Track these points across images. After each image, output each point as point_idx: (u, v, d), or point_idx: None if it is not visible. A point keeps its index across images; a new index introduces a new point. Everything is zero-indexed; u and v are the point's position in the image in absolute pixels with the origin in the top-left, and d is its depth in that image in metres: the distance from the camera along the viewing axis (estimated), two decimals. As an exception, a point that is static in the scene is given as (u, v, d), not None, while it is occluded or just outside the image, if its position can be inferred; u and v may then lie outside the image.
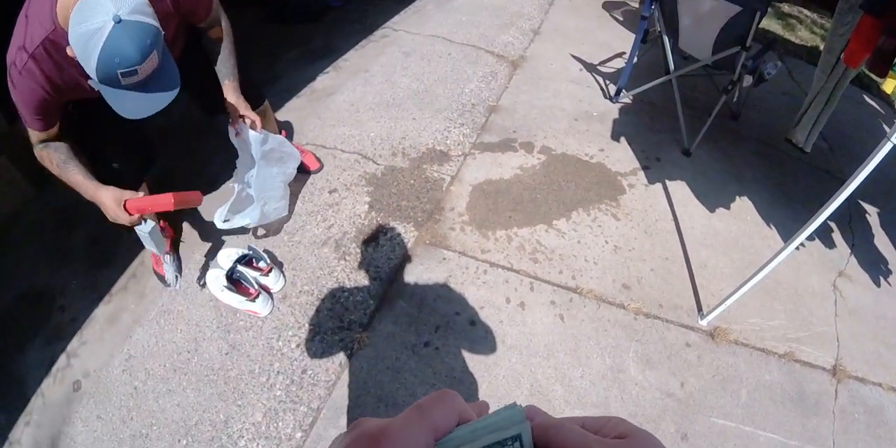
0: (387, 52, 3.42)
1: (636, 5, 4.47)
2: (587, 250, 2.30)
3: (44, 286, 2.16)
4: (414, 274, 2.10)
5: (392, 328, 1.93)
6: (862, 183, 1.58)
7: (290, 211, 2.33)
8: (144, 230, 1.69)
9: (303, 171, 2.47)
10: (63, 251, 2.28)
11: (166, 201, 1.59)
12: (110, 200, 1.56)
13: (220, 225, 1.94)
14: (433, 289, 2.05)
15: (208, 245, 2.21)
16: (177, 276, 2.07)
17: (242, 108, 1.84)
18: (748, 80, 2.97)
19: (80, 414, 1.75)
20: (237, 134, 1.88)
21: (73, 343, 1.96)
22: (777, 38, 4.78)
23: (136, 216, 1.61)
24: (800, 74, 4.12)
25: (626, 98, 3.24)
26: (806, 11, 5.68)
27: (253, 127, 1.86)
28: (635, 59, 3.08)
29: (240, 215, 1.98)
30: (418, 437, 0.29)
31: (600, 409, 1.82)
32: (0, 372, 1.91)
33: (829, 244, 2.71)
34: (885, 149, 1.46)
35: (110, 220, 1.62)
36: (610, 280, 2.20)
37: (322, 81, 3.15)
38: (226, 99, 1.81)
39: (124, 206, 1.57)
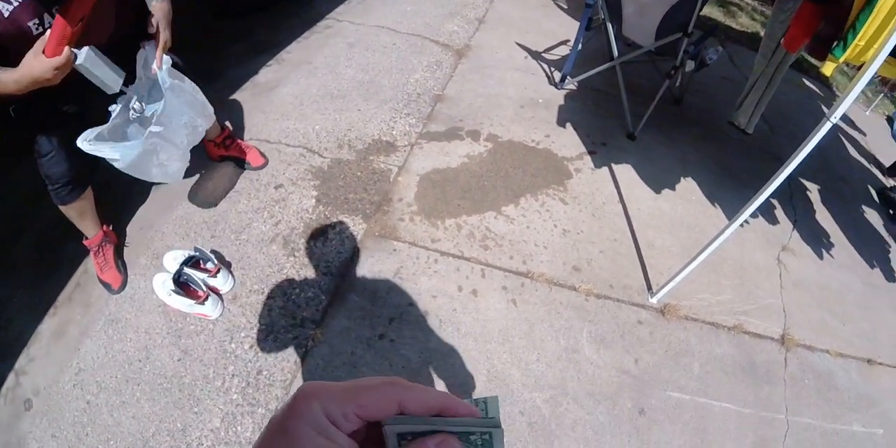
0: (331, 44, 3.36)
1: (580, -6, 4.52)
2: (536, 235, 2.30)
3: None
4: (365, 267, 2.06)
5: (346, 323, 1.89)
6: (802, 161, 1.62)
7: (230, 203, 2.26)
8: (84, 59, 1.40)
9: (247, 168, 2.41)
10: (5, 263, 2.16)
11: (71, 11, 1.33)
12: (32, 64, 1.34)
13: (79, 143, 1.56)
14: (385, 281, 2.03)
15: (153, 248, 2.13)
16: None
17: (163, 24, 1.64)
18: (690, 66, 3.03)
19: (33, 434, 1.67)
20: (146, 60, 1.66)
21: (21, 360, 1.86)
22: (718, 24, 4.91)
23: (65, 50, 1.35)
24: (740, 60, 4.24)
25: (571, 84, 3.26)
26: (746, -1, 5.85)
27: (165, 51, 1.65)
28: (580, 47, 3.10)
29: (111, 146, 1.58)
30: (335, 408, 0.31)
31: (557, 390, 1.83)
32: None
33: (773, 220, 2.79)
34: (825, 128, 1.51)
35: (52, 78, 1.37)
36: (560, 263, 2.21)
37: (265, 75, 3.07)
38: (150, 12, 1.63)
39: (45, 54, 1.35)
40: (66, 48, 1.34)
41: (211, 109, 1.98)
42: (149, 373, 1.76)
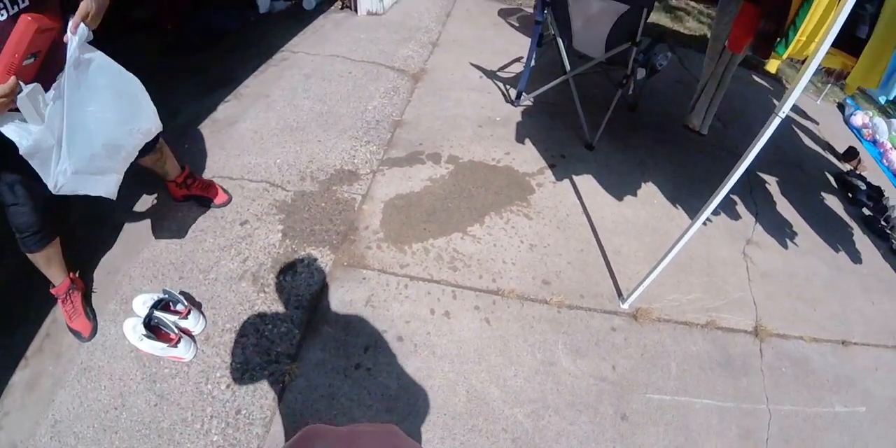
0: (286, 76, 3.39)
1: (530, 10, 4.63)
2: (504, 252, 2.34)
3: None
4: (336, 297, 2.07)
5: (321, 355, 1.89)
6: (757, 155, 1.67)
7: (178, 233, 2.24)
8: (27, 93, 1.30)
9: (211, 205, 2.41)
10: None
11: (22, 30, 1.24)
12: None
13: None
14: (357, 310, 2.03)
15: (121, 293, 2.12)
16: None
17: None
18: (641, 73, 3.12)
19: None
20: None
21: None
22: (666, 30, 5.06)
23: (10, 80, 1.26)
24: (690, 62, 4.36)
25: (527, 101, 3.33)
26: (693, 3, 6.04)
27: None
28: (532, 63, 3.18)
29: (16, 125, 1.35)
30: None
31: (538, 403, 1.84)
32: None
33: (734, 216, 2.86)
34: (775, 123, 1.55)
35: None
36: (529, 278, 2.24)
37: (223, 111, 3.09)
38: None
39: None
40: (13, 78, 1.26)
41: (153, 110, 1.70)
42: (126, 420, 1.74)
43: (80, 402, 1.79)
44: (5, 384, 1.90)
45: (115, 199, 1.63)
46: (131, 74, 1.58)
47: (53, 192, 1.47)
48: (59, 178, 1.46)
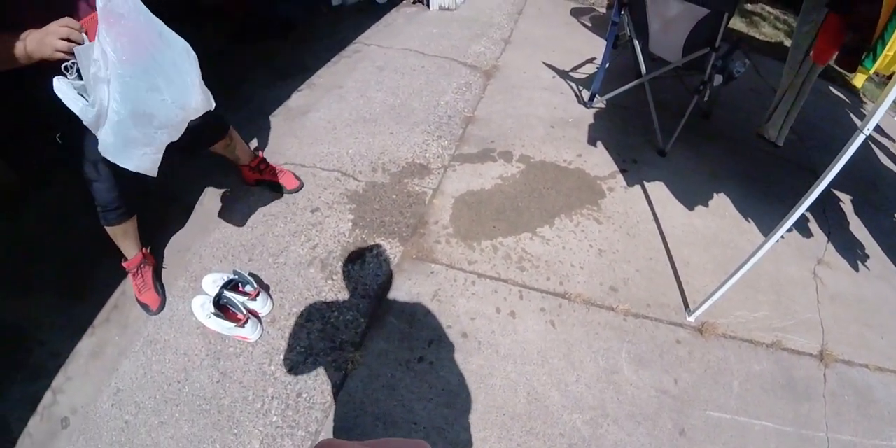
0: (359, 68, 3.44)
1: (603, 11, 4.56)
2: (572, 255, 2.33)
3: (16, 321, 2.09)
4: (402, 289, 2.11)
5: (384, 345, 1.93)
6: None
7: (240, 219, 2.30)
8: (84, 47, 1.24)
9: (283, 191, 2.48)
10: (35, 284, 2.21)
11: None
12: (45, 30, 1.28)
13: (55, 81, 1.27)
14: (423, 303, 2.06)
15: (191, 271, 2.20)
16: None
17: None
18: (718, 80, 3.04)
19: None
20: None
21: (58, 379, 1.91)
22: (742, 36, 4.90)
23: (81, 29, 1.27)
24: (766, 70, 4.22)
25: (599, 103, 3.29)
26: (768, 8, 5.83)
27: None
28: (607, 64, 3.14)
29: (75, 95, 1.29)
30: None
31: (598, 411, 1.84)
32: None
33: (806, 234, 2.77)
34: (858, 141, 1.50)
35: (54, 42, 1.27)
36: (597, 283, 2.23)
37: (296, 100, 3.16)
38: None
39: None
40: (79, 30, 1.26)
41: (201, 85, 1.50)
42: (188, 394, 1.80)
43: (143, 373, 1.87)
44: (71, 350, 1.98)
45: (153, 175, 1.49)
46: (179, 40, 1.39)
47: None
48: (102, 146, 1.36)
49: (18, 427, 1.81)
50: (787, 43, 4.77)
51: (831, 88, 4.41)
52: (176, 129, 1.47)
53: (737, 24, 5.16)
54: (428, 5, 4.32)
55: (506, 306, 2.09)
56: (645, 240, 2.46)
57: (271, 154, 2.66)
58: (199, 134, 2.04)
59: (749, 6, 5.80)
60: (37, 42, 1.29)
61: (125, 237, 1.99)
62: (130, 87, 1.28)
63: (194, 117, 1.51)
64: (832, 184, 1.67)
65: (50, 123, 1.66)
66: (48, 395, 1.87)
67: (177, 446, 1.68)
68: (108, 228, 1.93)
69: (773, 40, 5.06)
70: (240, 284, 2.01)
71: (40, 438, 1.77)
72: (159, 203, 2.42)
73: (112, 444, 1.71)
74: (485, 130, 2.95)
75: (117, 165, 1.52)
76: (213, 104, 1.56)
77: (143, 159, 1.43)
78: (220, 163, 2.39)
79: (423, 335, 1.97)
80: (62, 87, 1.28)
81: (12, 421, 1.83)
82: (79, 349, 1.99)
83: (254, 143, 2.77)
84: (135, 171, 1.43)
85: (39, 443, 1.76)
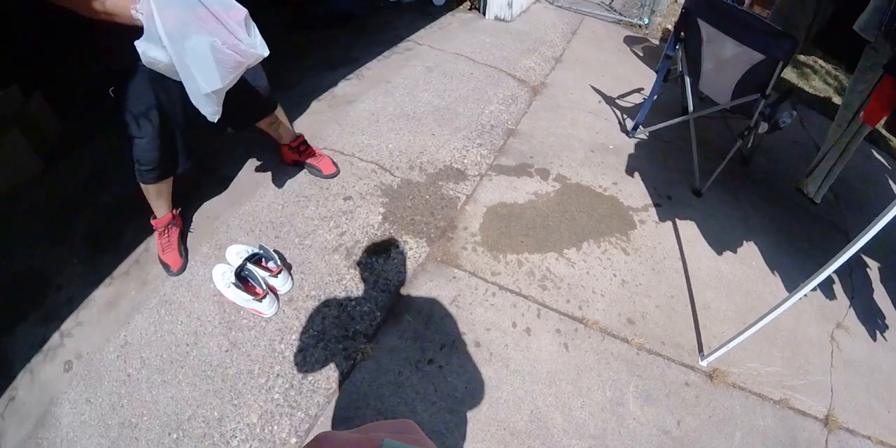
0: (409, 66, 3.45)
1: (656, 42, 4.56)
2: (595, 282, 2.31)
3: (41, 264, 2.14)
4: (423, 289, 2.10)
5: (397, 342, 1.92)
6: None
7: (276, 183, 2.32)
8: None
9: (318, 175, 2.48)
10: (65, 232, 2.27)
11: None
12: None
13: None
14: (441, 306, 2.05)
15: (216, 239, 2.20)
16: None
17: None
18: (764, 127, 3.01)
19: (68, 395, 1.73)
20: None
21: (68, 323, 1.94)
22: (792, 86, 4.88)
23: None
24: (811, 124, 4.19)
25: (642, 133, 3.28)
26: (821, 62, 5.79)
27: None
28: (655, 96, 3.13)
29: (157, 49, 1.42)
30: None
31: (597, 441, 1.81)
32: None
33: (830, 295, 2.74)
34: (895, 210, 1.49)
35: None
36: (615, 313, 2.21)
37: (343, 88, 3.18)
38: None
39: None
40: None
41: (257, 35, 1.55)
42: (194, 358, 1.81)
43: (153, 330, 1.88)
44: (86, 298, 2.01)
45: (213, 120, 1.58)
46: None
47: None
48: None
49: (20, 363, 1.83)
50: (836, 99, 4.74)
51: (873, 151, 4.37)
52: (230, 75, 1.53)
53: (788, 73, 5.14)
54: (484, 14, 4.34)
55: (522, 322, 2.07)
56: (669, 277, 2.43)
57: (312, 138, 2.67)
58: (249, 108, 2.07)
59: (802, 57, 5.76)
60: (121, 7, 1.37)
61: (158, 196, 2.02)
62: (181, 23, 1.38)
63: (249, 62, 1.55)
64: (862, 249, 1.66)
65: (105, 77, 1.70)
66: (55, 337, 1.90)
67: (175, 407, 1.69)
68: (143, 186, 1.96)
69: (822, 95, 5.03)
70: (263, 259, 2.01)
71: (41, 377, 1.79)
72: (197, 170, 2.44)
73: (111, 395, 1.72)
74: (525, 145, 2.94)
75: (159, 125, 1.73)
76: (266, 51, 1.58)
77: (209, 104, 1.54)
78: (262, 140, 2.41)
79: (436, 338, 1.96)
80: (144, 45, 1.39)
81: (15, 357, 1.86)
82: (94, 297, 2.02)
83: (297, 125, 2.78)
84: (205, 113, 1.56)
85: (39, 381, 1.78)
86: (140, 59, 1.43)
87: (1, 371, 1.82)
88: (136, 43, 1.39)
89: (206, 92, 1.48)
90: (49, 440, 1.65)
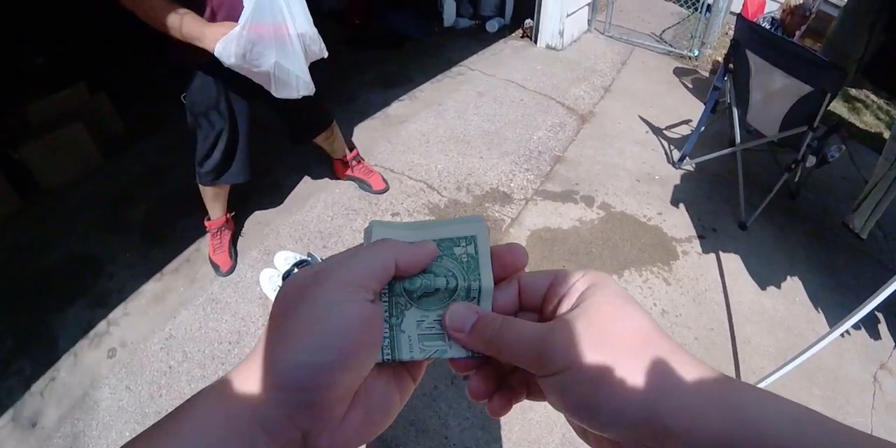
0: (461, 90, 3.57)
1: (706, 74, 4.57)
2: (635, 310, 2.33)
3: (94, 253, 2.27)
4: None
5: (435, 357, 1.98)
6: None
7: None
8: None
9: (368, 190, 2.59)
10: (120, 223, 2.40)
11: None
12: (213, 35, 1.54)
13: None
14: (481, 324, 2.11)
15: (265, 244, 2.31)
16: None
17: None
18: (811, 161, 3.00)
19: (109, 381, 1.81)
20: None
21: (117, 312, 2.04)
22: (842, 120, 4.81)
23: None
24: (861, 159, 4.12)
25: (688, 165, 3.30)
26: (872, 96, 5.69)
27: None
28: (703, 128, 3.15)
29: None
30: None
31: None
32: (37, 327, 1.99)
33: (875, 335, 2.69)
34: None
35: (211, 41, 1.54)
36: (655, 342, 2.23)
37: (396, 108, 3.31)
38: None
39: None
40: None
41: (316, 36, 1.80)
42: (235, 356, 1.88)
43: (198, 327, 1.97)
44: (136, 289, 2.12)
45: (309, 93, 1.79)
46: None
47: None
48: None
49: (66, 345, 1.93)
50: (887, 134, 4.65)
51: (925, 190, 4.27)
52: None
53: (838, 108, 5.07)
54: (536, 42, 4.44)
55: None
56: (709, 309, 2.44)
57: (364, 154, 2.79)
58: (308, 123, 2.19)
59: (853, 92, 5.68)
60: (199, 32, 1.52)
61: (215, 199, 2.12)
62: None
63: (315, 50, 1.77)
64: None
65: (173, 80, 1.84)
66: (102, 325, 2.00)
67: (211, 403, 1.77)
68: (201, 187, 2.06)
69: (872, 130, 4.94)
70: (310, 267, 2.10)
71: (84, 361, 1.88)
72: (255, 178, 2.59)
73: (151, 384, 1.80)
74: (571, 172, 3.00)
75: (225, 132, 1.87)
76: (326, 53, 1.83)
77: (299, 85, 1.75)
78: (317, 154, 2.54)
79: (475, 355, 2.01)
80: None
81: (61, 339, 1.95)
82: (143, 290, 2.12)
83: (350, 142, 2.91)
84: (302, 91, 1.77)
85: (83, 365, 1.87)
86: (215, 64, 1.57)
87: (46, 351, 1.92)
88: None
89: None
90: (85, 421, 1.73)
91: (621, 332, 0.31)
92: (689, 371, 0.30)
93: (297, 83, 1.73)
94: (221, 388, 0.30)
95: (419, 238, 0.35)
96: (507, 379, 0.37)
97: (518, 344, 0.32)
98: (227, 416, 0.29)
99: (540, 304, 0.36)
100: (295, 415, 0.29)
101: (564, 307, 0.34)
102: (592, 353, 0.30)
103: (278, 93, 1.71)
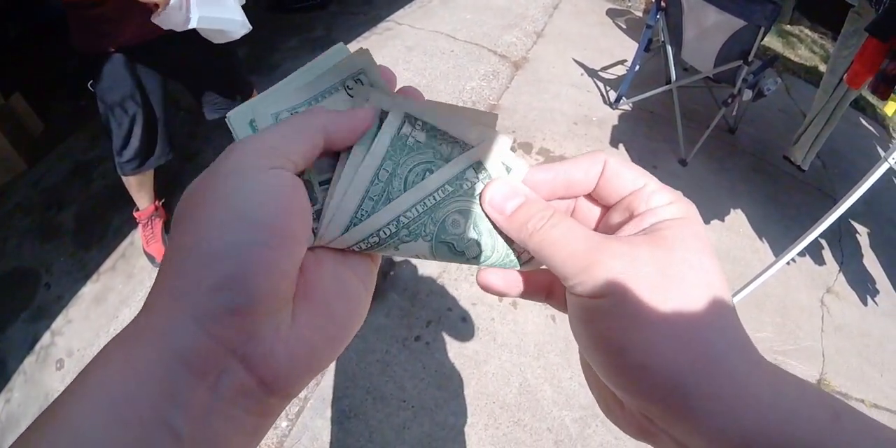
0: (389, 46, 3.40)
1: (639, 14, 4.50)
2: (581, 253, 2.29)
3: (29, 264, 2.14)
4: (408, 267, 2.07)
5: (383, 321, 1.90)
6: (855, 203, 1.59)
7: None
8: None
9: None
10: (51, 229, 2.25)
11: None
12: None
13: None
14: (426, 283, 2.03)
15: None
16: None
17: None
18: (748, 95, 2.98)
19: None
20: None
21: (58, 321, 1.94)
22: (777, 55, 4.84)
23: None
24: (797, 92, 4.16)
25: (625, 105, 3.24)
26: (807, 31, 5.75)
27: None
28: (637, 67, 3.08)
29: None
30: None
31: (587, 411, 1.80)
32: (-19, 348, 1.87)
33: (819, 261, 2.73)
34: (881, 170, 1.47)
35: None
36: (602, 283, 2.19)
37: (323, 71, 3.12)
38: None
39: None
40: None
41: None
42: None
43: None
44: (75, 294, 2.01)
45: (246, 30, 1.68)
46: None
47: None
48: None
49: (14, 365, 1.84)
50: (823, 67, 4.70)
51: (861, 119, 4.35)
52: None
53: (773, 42, 5.10)
54: (465, -9, 4.27)
55: (508, 296, 2.06)
56: (656, 246, 2.41)
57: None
58: (225, 92, 2.04)
59: (788, 27, 5.71)
60: None
61: (140, 188, 2.01)
62: None
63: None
64: (852, 214, 1.65)
65: (83, 71, 1.72)
66: (46, 336, 1.90)
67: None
68: (123, 178, 1.95)
69: (808, 64, 4.99)
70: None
71: (34, 377, 1.79)
72: (177, 160, 2.42)
73: None
74: (507, 120, 2.90)
75: (140, 115, 1.75)
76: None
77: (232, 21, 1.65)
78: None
79: (422, 315, 1.94)
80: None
81: (9, 359, 1.86)
82: (82, 294, 2.01)
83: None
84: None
85: (33, 381, 1.78)
86: (114, 48, 1.48)
87: (-3, 375, 1.82)
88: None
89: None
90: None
91: (692, 283, 0.26)
92: (747, 359, 0.26)
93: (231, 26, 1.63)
94: (123, 335, 0.24)
95: (300, 98, 0.29)
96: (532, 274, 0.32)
97: (565, 249, 0.27)
98: (132, 368, 0.21)
99: (604, 205, 0.31)
100: (221, 331, 0.22)
101: (632, 227, 0.29)
102: (649, 291, 0.25)
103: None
